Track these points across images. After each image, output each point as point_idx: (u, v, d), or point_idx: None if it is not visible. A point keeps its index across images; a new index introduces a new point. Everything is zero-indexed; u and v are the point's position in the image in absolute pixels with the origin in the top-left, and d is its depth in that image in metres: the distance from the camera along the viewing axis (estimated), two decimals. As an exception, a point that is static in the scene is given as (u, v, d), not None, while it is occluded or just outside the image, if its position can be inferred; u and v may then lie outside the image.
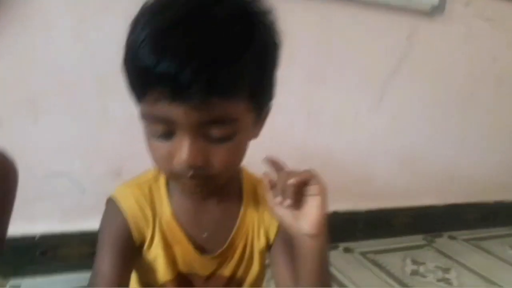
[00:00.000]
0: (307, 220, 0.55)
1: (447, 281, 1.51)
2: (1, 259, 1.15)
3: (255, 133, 0.59)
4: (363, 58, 1.57)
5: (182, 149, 0.50)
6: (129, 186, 0.64)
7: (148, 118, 0.51)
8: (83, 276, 1.26)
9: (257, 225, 0.68)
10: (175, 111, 0.47)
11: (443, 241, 1.85)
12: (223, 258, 0.67)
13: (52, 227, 1.25)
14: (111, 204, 0.63)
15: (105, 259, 0.59)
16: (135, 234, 0.61)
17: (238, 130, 0.52)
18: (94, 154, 1.26)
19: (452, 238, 1.89)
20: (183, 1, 0.48)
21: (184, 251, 0.64)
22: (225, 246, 0.66)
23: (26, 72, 1.15)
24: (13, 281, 1.18)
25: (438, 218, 1.91)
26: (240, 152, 0.56)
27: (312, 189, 0.55)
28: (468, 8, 1.71)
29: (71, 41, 1.16)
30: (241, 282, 0.69)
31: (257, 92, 0.52)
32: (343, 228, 1.69)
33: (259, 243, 0.68)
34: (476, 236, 1.93)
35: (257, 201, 0.69)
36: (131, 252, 0.62)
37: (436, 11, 1.62)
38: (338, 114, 1.59)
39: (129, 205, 0.62)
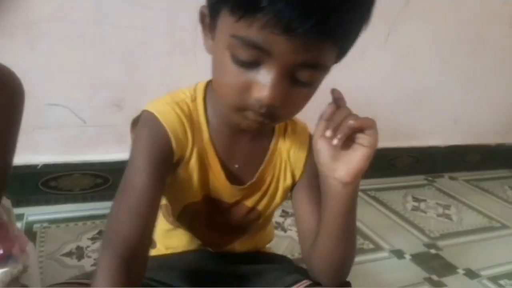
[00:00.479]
0: (346, 166, 0.54)
1: (447, 216, 1.52)
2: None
3: None
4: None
5: (266, 84, 0.47)
6: (168, 103, 0.60)
7: (242, 40, 0.46)
8: (84, 206, 1.27)
9: (284, 163, 0.67)
10: (282, 45, 0.44)
11: (444, 181, 1.86)
12: (250, 190, 0.66)
13: (54, 157, 1.24)
14: (149, 118, 0.58)
15: (142, 171, 0.55)
16: (175, 148, 0.58)
17: (321, 78, 0.51)
18: (94, 85, 1.23)
19: (452, 178, 1.91)
20: None
21: (216, 177, 0.63)
22: (254, 180, 0.65)
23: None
24: (16, 210, 1.18)
25: (440, 159, 1.91)
26: (310, 99, 0.53)
27: (365, 138, 0.53)
28: None
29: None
30: (261, 213, 0.70)
31: (349, 45, 0.51)
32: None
33: (285, 181, 0.68)
34: (476, 177, 1.95)
35: (286, 138, 0.67)
36: (169, 166, 0.59)
37: None
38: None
39: (171, 120, 0.58)
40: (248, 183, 0.65)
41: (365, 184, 1.69)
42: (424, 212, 1.54)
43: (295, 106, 0.52)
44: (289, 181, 0.67)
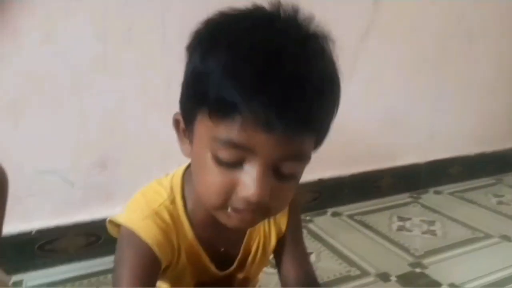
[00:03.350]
0: None
1: (432, 232, 1.57)
2: (2, 257, 1.21)
3: None
4: (330, 27, 1.60)
5: (252, 181, 0.47)
6: (147, 216, 0.59)
7: (224, 142, 0.47)
8: (81, 266, 1.33)
9: (268, 226, 0.69)
10: (263, 142, 0.45)
11: (428, 197, 1.91)
12: (239, 265, 0.68)
13: (46, 222, 1.30)
14: (131, 237, 0.57)
15: None
16: (161, 260, 0.59)
17: (304, 167, 0.52)
18: (77, 149, 1.30)
19: (437, 193, 1.96)
20: (258, 29, 0.48)
21: (205, 269, 0.65)
22: (240, 255, 0.67)
23: (2, 79, 1.18)
24: (15, 277, 1.24)
25: (422, 176, 1.97)
26: (295, 189, 0.54)
27: None
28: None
29: (41, 45, 1.19)
30: (252, 278, 0.73)
31: (327, 131, 0.52)
32: (330, 194, 1.75)
33: (271, 243, 0.70)
34: (460, 188, 2.00)
35: None
36: (156, 278, 0.60)
37: (401, -28, 1.65)
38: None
39: (154, 237, 0.58)
40: (236, 261, 0.67)
41: (351, 209, 1.74)
42: (409, 231, 1.59)
43: (283, 200, 0.53)
44: (274, 242, 0.70)
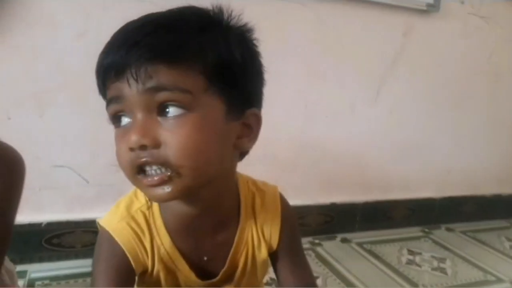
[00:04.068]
0: None
1: (442, 270, 1.54)
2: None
3: (241, 144, 0.56)
4: (359, 53, 1.61)
5: (131, 128, 0.49)
6: (124, 218, 0.60)
7: (107, 106, 0.53)
8: (86, 263, 1.32)
9: (257, 239, 0.66)
10: (122, 85, 0.49)
11: (440, 233, 1.88)
12: (225, 277, 0.66)
13: (57, 216, 1.30)
14: (106, 237, 0.60)
15: None
16: (134, 265, 0.60)
17: (193, 105, 0.49)
18: (97, 148, 1.31)
19: (449, 230, 1.92)
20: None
21: (186, 277, 0.63)
22: (226, 267, 0.65)
23: (32, 69, 1.19)
24: (19, 267, 1.23)
25: (436, 211, 1.94)
26: (201, 138, 0.49)
27: None
28: (463, 6, 1.75)
29: (75, 39, 1.21)
30: None
31: (219, 76, 0.50)
32: (341, 219, 1.72)
33: (260, 255, 0.67)
34: (473, 228, 1.96)
35: (255, 212, 0.67)
36: (132, 280, 0.61)
37: (431, 8, 1.65)
38: (334, 107, 1.63)
39: (127, 238, 0.59)
40: (221, 272, 0.65)
41: (361, 237, 1.72)
42: (419, 265, 1.55)
43: (181, 140, 0.48)
44: (264, 254, 0.67)
